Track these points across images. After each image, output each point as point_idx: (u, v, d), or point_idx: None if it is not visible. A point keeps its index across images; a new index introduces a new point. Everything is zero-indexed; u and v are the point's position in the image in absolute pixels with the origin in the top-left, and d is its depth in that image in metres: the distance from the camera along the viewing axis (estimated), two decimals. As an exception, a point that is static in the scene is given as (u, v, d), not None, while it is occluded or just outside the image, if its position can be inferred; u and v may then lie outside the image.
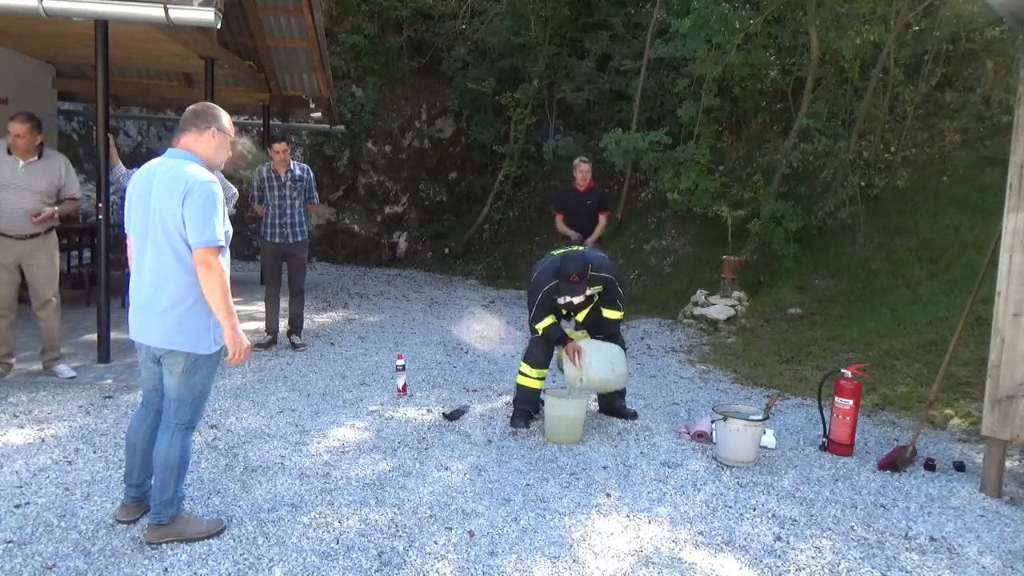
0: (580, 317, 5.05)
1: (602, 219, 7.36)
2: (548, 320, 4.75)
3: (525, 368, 4.85)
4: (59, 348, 5.26)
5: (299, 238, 6.49)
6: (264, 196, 6.45)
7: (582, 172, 7.22)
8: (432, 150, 14.17)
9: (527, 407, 4.85)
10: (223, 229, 2.91)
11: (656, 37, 10.40)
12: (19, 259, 4.98)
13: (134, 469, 3.14)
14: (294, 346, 6.54)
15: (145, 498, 3.18)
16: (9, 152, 4.87)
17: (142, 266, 2.96)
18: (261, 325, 6.81)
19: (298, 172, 6.50)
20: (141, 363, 3.12)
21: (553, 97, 13.05)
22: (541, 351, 4.86)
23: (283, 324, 6.75)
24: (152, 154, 5.45)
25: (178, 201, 2.82)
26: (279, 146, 6.42)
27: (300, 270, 6.61)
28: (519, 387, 4.88)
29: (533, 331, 4.85)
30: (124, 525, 3.12)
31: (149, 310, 2.94)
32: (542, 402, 4.82)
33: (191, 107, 3.05)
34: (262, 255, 6.88)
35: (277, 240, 6.44)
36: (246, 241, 12.50)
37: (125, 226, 3.06)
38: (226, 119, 3.07)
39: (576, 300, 4.77)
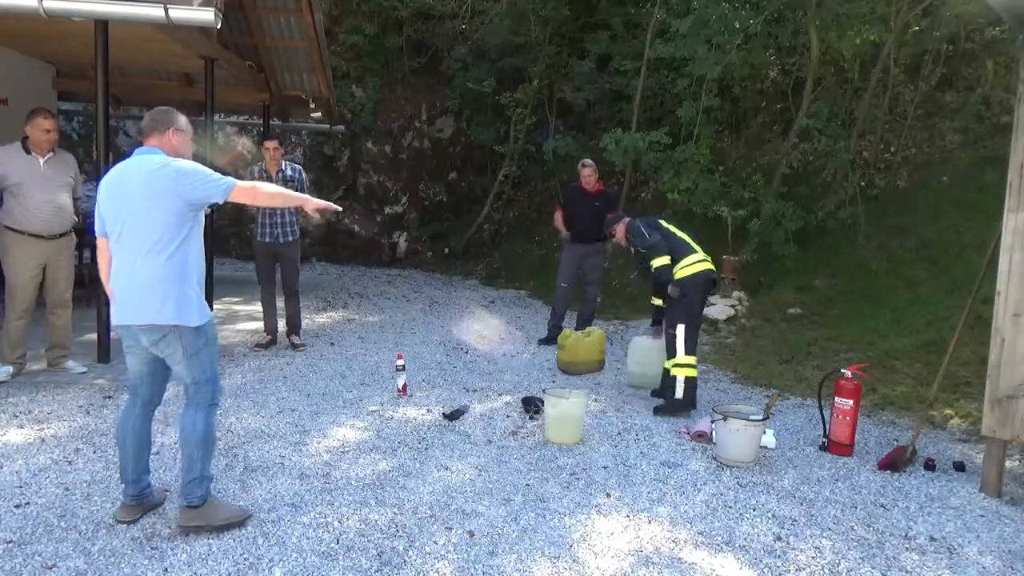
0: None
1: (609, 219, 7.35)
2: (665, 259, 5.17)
3: (690, 359, 5.02)
4: (70, 346, 5.34)
5: (290, 238, 6.48)
6: None
7: (584, 175, 7.15)
8: (432, 150, 14.16)
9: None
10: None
11: (656, 37, 10.39)
12: (46, 260, 5.07)
13: (127, 464, 3.16)
14: (294, 346, 6.54)
15: (144, 496, 3.19)
16: (28, 152, 4.92)
17: (128, 256, 3.03)
18: (261, 325, 6.82)
19: (289, 172, 6.48)
20: (127, 351, 3.16)
21: (553, 97, 13.04)
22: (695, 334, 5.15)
23: (282, 324, 6.75)
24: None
25: (169, 190, 2.98)
26: (271, 144, 6.42)
27: (293, 270, 6.60)
28: (689, 380, 5.03)
29: (668, 282, 5.12)
30: (124, 525, 3.12)
31: (141, 294, 3.01)
32: (542, 402, 4.83)
33: (148, 114, 3.20)
34: (256, 255, 6.85)
35: (268, 240, 6.44)
36: (245, 242, 12.50)
37: (96, 228, 3.16)
38: (182, 119, 3.23)
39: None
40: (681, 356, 4.99)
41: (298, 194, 3.42)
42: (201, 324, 3.08)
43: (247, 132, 13.00)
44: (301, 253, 6.81)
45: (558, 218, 7.37)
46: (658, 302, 5.53)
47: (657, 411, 5.07)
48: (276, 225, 6.42)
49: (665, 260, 5.10)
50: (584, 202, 7.17)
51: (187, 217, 3.04)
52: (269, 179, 6.40)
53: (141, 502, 3.19)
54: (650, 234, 5.23)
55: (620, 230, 5.55)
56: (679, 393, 4.99)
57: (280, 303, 6.70)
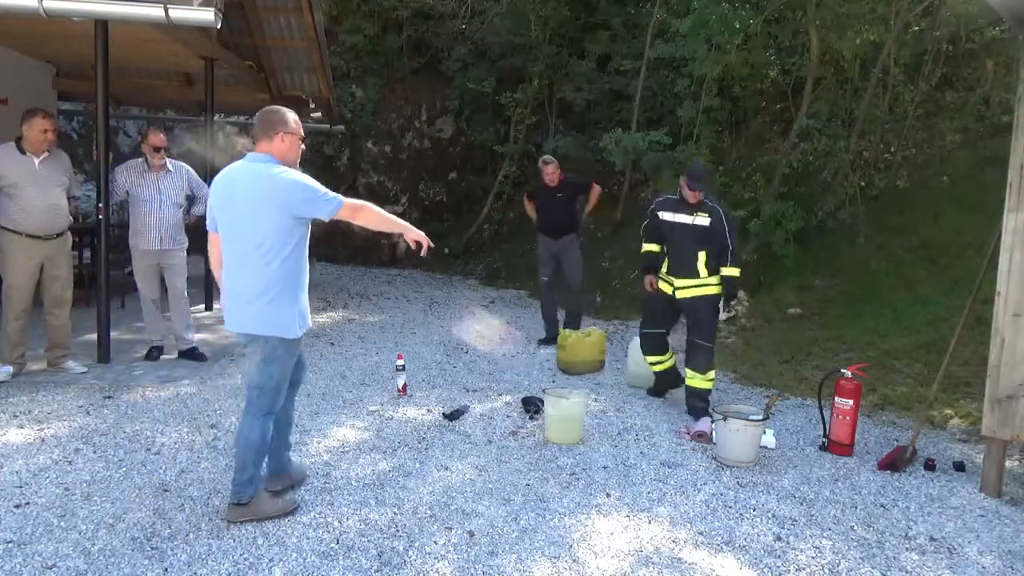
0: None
1: (593, 192, 7.50)
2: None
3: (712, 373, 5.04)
4: (70, 345, 5.34)
5: None
6: None
7: (546, 172, 7.27)
8: (432, 150, 14.16)
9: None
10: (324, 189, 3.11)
11: (656, 37, 10.38)
12: (43, 260, 5.08)
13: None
14: None
15: (284, 465, 3.44)
16: (23, 152, 4.93)
17: (233, 261, 3.10)
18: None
19: None
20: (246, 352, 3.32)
21: (553, 97, 13.03)
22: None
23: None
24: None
25: (277, 202, 2.98)
26: None
27: None
28: (704, 391, 5.01)
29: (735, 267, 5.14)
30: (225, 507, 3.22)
31: (240, 300, 3.10)
32: (542, 402, 4.83)
33: (258, 114, 3.19)
34: None
35: None
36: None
37: (208, 224, 3.24)
38: (292, 120, 3.18)
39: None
40: (711, 370, 5.04)
41: (401, 221, 3.29)
42: (294, 338, 3.15)
43: (247, 132, 12.98)
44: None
45: (529, 208, 7.76)
46: (653, 248, 5.61)
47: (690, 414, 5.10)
48: None
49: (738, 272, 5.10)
50: (548, 196, 7.38)
51: (294, 231, 3.05)
52: None
53: (281, 471, 3.39)
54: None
55: (701, 193, 5.04)
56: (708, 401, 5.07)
57: None
